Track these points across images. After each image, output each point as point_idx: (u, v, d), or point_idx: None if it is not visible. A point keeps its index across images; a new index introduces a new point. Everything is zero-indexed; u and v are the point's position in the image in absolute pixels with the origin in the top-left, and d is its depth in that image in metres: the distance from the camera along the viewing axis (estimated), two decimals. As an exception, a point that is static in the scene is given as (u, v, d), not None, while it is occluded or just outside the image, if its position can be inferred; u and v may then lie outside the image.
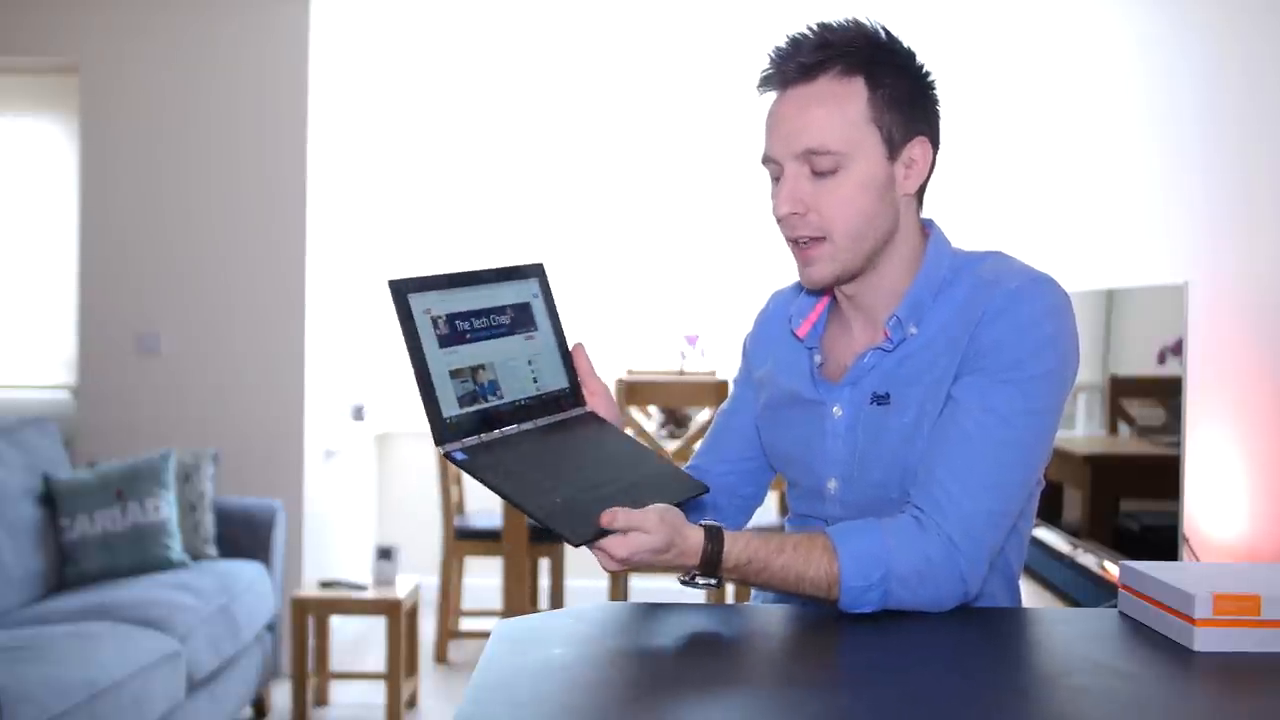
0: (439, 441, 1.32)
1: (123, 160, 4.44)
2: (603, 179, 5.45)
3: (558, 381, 1.44)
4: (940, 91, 1.47)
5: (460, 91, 5.43)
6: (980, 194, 4.61)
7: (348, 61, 4.90)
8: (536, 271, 1.46)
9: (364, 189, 5.20)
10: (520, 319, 1.42)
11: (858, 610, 1.33)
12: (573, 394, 1.45)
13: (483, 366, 1.36)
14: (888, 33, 1.44)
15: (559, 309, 1.47)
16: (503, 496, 1.27)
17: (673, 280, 5.45)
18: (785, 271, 1.66)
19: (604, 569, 1.29)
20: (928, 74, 1.45)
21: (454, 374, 1.33)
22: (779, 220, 1.43)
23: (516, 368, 1.40)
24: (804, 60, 1.39)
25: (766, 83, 1.44)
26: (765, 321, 1.67)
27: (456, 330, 1.35)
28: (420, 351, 1.31)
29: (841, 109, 1.39)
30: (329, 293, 4.70)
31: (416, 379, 1.31)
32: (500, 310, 1.40)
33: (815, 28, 1.41)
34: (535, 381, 1.41)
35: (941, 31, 4.82)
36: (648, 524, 1.26)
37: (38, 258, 4.85)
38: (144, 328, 4.45)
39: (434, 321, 1.33)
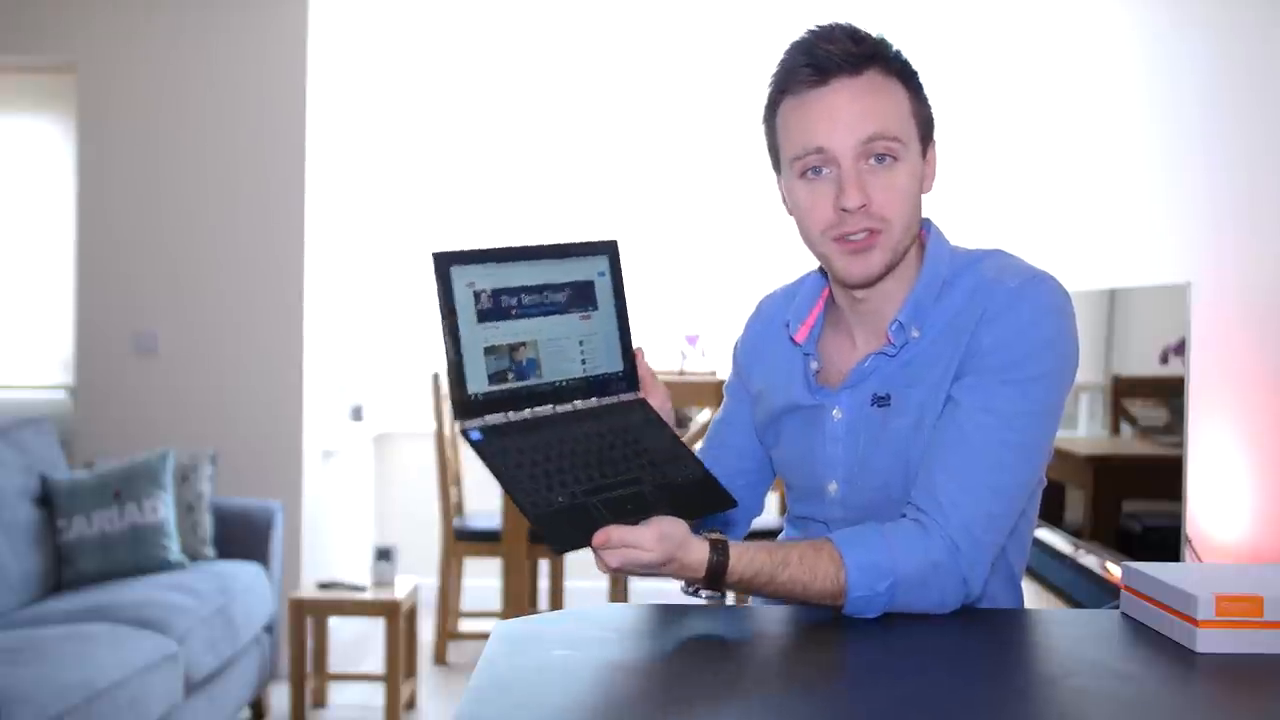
0: (459, 416, 1.28)
1: (120, 160, 4.44)
2: (603, 180, 5.44)
3: (611, 364, 1.39)
4: (941, 89, 1.48)
5: (459, 91, 5.42)
6: (981, 193, 4.61)
7: (346, 61, 4.90)
8: (608, 249, 1.41)
9: (362, 188, 5.19)
10: (578, 297, 1.37)
11: (862, 616, 1.32)
12: (627, 378, 1.40)
13: (524, 344, 1.32)
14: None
15: (626, 291, 1.41)
16: (503, 487, 1.24)
17: (673, 280, 5.45)
18: (784, 272, 1.65)
19: (599, 570, 1.28)
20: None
21: (489, 350, 1.29)
22: (846, 212, 1.38)
23: (564, 347, 1.35)
24: (856, 52, 1.38)
25: (816, 72, 1.38)
26: (756, 328, 1.65)
27: (501, 305, 1.31)
28: (454, 324, 1.27)
29: (894, 99, 1.40)
30: (327, 292, 4.69)
31: (446, 352, 1.27)
32: (557, 288, 1.36)
33: (847, 27, 1.40)
34: (584, 363, 1.37)
35: (943, 30, 4.82)
36: (644, 542, 1.24)
37: (35, 257, 4.85)
38: (141, 327, 4.44)
39: (476, 295, 1.29)
